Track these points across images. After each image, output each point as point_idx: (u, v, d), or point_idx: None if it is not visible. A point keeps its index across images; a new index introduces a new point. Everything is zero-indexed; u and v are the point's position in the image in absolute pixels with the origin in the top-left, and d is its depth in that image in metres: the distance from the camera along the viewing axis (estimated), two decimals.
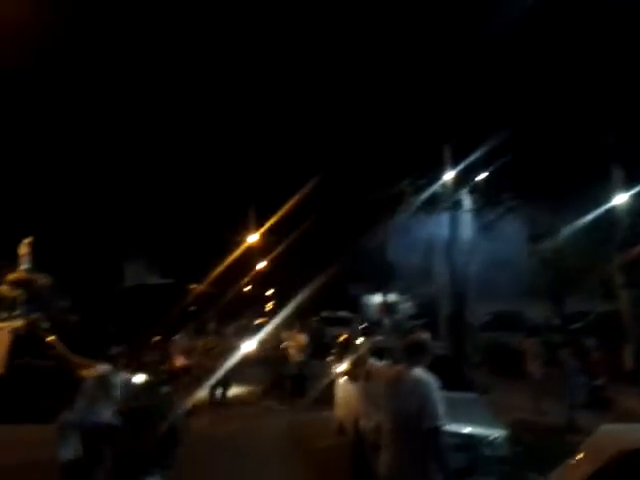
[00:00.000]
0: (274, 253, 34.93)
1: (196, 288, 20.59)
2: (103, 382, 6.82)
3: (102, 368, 7.05)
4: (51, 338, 11.41)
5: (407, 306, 35.48)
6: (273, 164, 26.78)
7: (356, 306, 31.55)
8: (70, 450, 6.54)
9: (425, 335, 4.59)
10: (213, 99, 23.61)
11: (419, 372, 4.25)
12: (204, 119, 23.45)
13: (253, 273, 38.66)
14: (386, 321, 33.15)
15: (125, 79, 19.61)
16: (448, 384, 6.92)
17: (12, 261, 14.12)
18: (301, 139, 24.37)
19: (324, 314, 24.77)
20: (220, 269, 25.44)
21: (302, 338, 14.98)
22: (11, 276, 12.91)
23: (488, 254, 21.45)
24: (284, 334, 16.09)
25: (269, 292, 46.55)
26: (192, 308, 17.29)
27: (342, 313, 25.59)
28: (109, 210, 21.81)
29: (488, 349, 20.26)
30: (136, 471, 6.12)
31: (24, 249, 13.16)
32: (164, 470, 6.29)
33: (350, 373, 8.36)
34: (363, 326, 21.74)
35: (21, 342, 11.13)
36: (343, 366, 9.38)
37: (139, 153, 21.85)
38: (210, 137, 24.41)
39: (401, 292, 34.64)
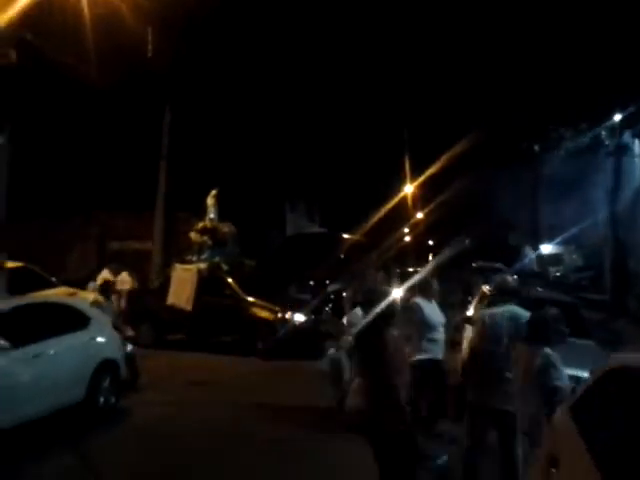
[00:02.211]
0: (431, 205, 35.12)
1: (350, 238, 21.57)
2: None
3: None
4: (230, 280, 12.95)
5: (573, 258, 33.71)
6: (428, 116, 26.64)
7: (515, 257, 30.66)
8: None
9: (510, 279, 5.07)
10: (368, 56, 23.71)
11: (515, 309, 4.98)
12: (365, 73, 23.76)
13: (409, 224, 39.25)
14: (548, 273, 31.95)
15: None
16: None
17: (196, 213, 15.95)
18: (460, 90, 23.90)
19: (477, 264, 24.61)
20: (374, 220, 26.32)
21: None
22: (199, 224, 14.45)
23: None
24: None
25: (427, 243, 46.94)
26: (342, 256, 18.29)
27: (497, 264, 25.15)
28: (275, 164, 23.22)
29: None
30: None
31: (211, 200, 14.47)
32: None
33: (470, 319, 8.75)
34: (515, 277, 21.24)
35: (205, 282, 12.84)
36: (470, 312, 9.74)
37: (298, 110, 22.94)
38: (369, 89, 24.71)
39: (566, 243, 32.92)
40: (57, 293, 9.11)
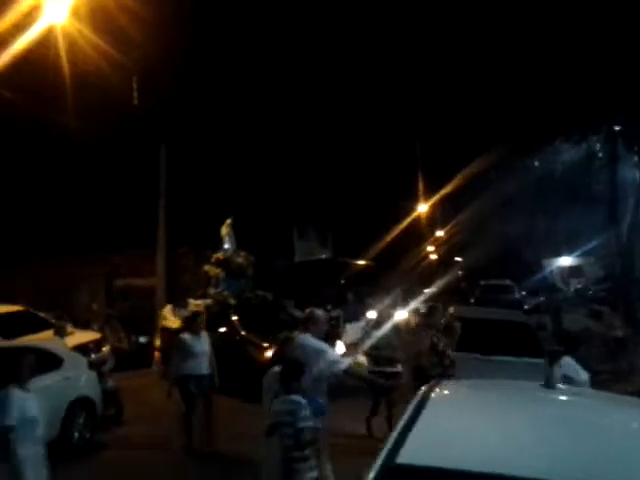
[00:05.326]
0: (452, 222, 35.02)
1: (358, 263, 21.57)
2: None
3: None
4: (233, 316, 12.20)
5: (594, 269, 33.16)
6: (440, 132, 26.50)
7: (531, 271, 30.37)
8: None
9: (317, 310, 5.79)
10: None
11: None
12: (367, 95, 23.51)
13: (430, 243, 39.14)
14: (569, 286, 31.48)
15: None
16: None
17: (197, 246, 15.80)
18: (465, 109, 23.83)
19: (483, 282, 24.49)
20: (389, 242, 26.25)
21: None
22: (214, 256, 14.10)
23: None
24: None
25: (453, 260, 46.55)
26: (342, 282, 18.33)
27: (506, 281, 25.00)
28: (280, 190, 22.93)
29: None
30: None
31: (225, 230, 14.11)
32: None
33: None
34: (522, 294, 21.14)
35: (212, 318, 11.75)
36: None
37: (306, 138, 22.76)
38: (377, 108, 24.46)
39: (586, 254, 32.47)
40: (39, 337, 9.61)
